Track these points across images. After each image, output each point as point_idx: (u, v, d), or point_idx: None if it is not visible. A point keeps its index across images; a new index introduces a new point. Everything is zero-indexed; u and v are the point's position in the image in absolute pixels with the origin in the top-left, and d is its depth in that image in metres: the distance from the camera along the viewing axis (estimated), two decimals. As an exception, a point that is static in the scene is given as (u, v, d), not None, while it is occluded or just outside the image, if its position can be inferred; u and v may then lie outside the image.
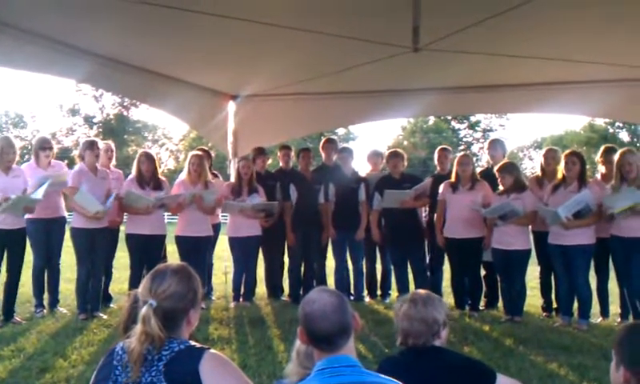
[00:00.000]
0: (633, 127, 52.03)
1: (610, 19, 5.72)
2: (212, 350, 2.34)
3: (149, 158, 7.59)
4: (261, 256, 8.48)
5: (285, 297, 8.53)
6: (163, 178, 7.81)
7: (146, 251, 7.15)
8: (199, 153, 8.00)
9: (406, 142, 56.11)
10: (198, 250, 7.63)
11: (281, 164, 8.82)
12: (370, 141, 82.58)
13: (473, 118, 58.61)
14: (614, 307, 7.32)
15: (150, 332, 2.26)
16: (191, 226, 7.61)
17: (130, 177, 7.64)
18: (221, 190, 8.02)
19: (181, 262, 2.58)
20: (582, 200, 6.60)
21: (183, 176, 7.88)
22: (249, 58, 7.24)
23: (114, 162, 8.10)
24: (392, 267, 8.27)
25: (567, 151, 7.19)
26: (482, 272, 7.84)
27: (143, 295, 2.36)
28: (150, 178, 7.47)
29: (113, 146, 8.19)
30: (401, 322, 2.95)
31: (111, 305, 7.82)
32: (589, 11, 5.61)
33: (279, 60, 7.16)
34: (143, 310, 2.30)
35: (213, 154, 9.55)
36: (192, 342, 2.38)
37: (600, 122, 50.23)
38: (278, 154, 8.94)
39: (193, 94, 8.45)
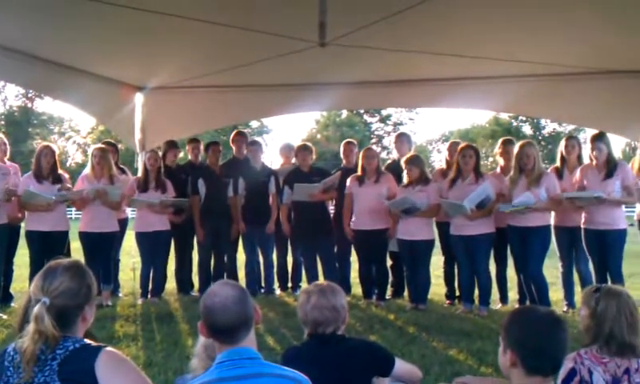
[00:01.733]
0: (535, 121, 54.45)
1: (512, 17, 5.95)
2: (108, 348, 2.31)
3: (51, 151, 7.37)
4: (171, 251, 8.38)
5: (195, 292, 8.45)
6: (63, 173, 7.57)
7: (48, 248, 6.89)
8: (102, 146, 7.83)
9: (319, 136, 56.57)
10: (103, 247, 7.49)
11: (190, 157, 8.73)
12: (285, 134, 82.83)
13: (384, 112, 59.79)
14: (513, 294, 7.67)
15: (44, 331, 2.21)
16: (95, 222, 7.43)
17: (28, 173, 7.37)
18: (127, 184, 7.85)
19: (73, 258, 2.53)
20: (483, 192, 6.87)
21: (87, 170, 7.67)
22: (156, 50, 7.10)
23: (8, 155, 7.75)
24: (302, 259, 8.36)
25: (462, 144, 7.46)
26: (389, 262, 8.05)
27: (35, 293, 2.31)
28: (49, 172, 7.24)
29: (5, 139, 7.83)
30: (311, 312, 3.04)
31: (12, 304, 7.50)
32: (490, 9, 5.81)
33: (187, 52, 7.07)
34: (35, 309, 2.24)
35: (121, 148, 9.30)
36: (88, 341, 2.34)
37: (504, 116, 52.34)
38: (187, 147, 8.83)
39: (98, 86, 8.17)
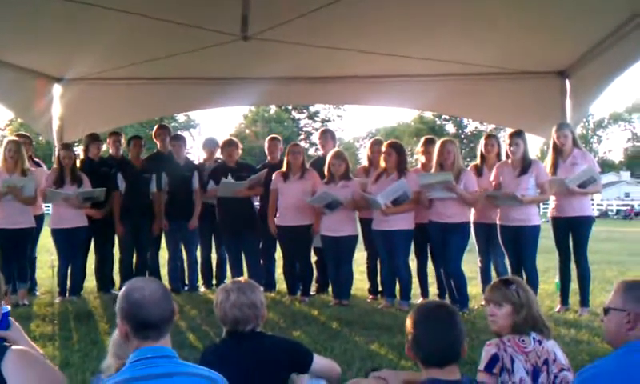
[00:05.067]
0: (458, 119, 55.92)
1: (435, 17, 6.08)
2: (15, 347, 2.25)
3: None
4: (91, 248, 8.15)
5: (116, 290, 8.25)
6: None
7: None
8: (16, 138, 7.58)
9: (247, 131, 56.31)
10: (18, 243, 7.25)
11: (110, 151, 8.53)
12: (212, 128, 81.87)
13: (312, 109, 60.09)
14: (434, 288, 7.80)
15: None
16: (10, 218, 7.18)
17: None
18: (42, 179, 7.58)
19: None
20: (398, 188, 6.99)
21: (-1, 164, 7.37)
22: (74, 40, 6.87)
23: None
24: (227, 255, 8.29)
25: (385, 143, 7.54)
26: (314, 258, 8.08)
27: None
28: None
29: None
30: (230, 310, 3.01)
31: None
32: (414, 9, 5.92)
33: (106, 43, 6.84)
34: None
35: (42, 140, 8.97)
36: None
37: (429, 114, 53.47)
38: (108, 140, 8.61)
39: (13, 77, 7.80)
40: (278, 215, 7.65)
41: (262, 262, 8.16)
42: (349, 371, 4.56)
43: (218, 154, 8.97)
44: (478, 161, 7.54)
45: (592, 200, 8.18)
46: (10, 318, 2.61)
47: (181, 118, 52.12)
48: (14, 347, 2.22)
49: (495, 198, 6.93)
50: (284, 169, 7.64)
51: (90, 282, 8.46)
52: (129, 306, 2.36)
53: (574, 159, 6.92)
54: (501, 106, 8.28)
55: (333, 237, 7.33)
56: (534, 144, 8.24)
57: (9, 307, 2.67)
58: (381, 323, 6.37)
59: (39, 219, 7.92)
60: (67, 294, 7.70)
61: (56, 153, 7.91)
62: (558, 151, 7.00)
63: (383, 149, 7.30)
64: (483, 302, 7.23)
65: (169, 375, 2.30)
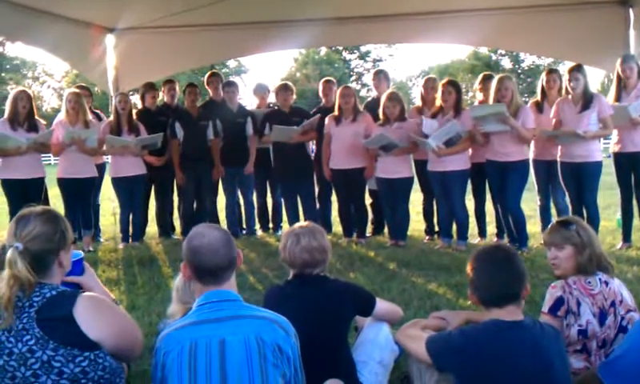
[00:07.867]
0: (514, 54, 54.23)
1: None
2: (86, 293, 2.33)
3: (27, 96, 7.19)
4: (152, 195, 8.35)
5: (176, 235, 8.47)
6: (40, 120, 7.40)
7: (25, 196, 6.78)
8: (76, 90, 7.67)
9: (298, 74, 55.99)
10: (82, 192, 7.47)
11: (165, 99, 8.62)
12: (262, 73, 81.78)
13: (363, 49, 59.15)
14: (492, 228, 7.71)
15: (18, 275, 2.21)
16: (73, 168, 7.36)
17: (2, 118, 7.20)
18: (101, 129, 7.73)
19: (46, 206, 2.52)
20: (451, 130, 6.83)
21: (61, 116, 7.52)
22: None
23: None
24: (282, 200, 8.37)
25: (443, 80, 7.36)
26: (369, 200, 8.08)
27: (8, 240, 2.32)
28: (24, 118, 7.08)
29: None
30: (301, 254, 3.04)
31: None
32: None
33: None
34: (8, 254, 2.25)
35: (98, 91, 9.11)
36: (64, 288, 2.35)
37: (484, 50, 52.01)
38: (162, 89, 8.69)
39: (67, 28, 7.94)
40: (331, 159, 7.63)
41: (318, 206, 8.19)
42: (407, 311, 4.59)
43: (270, 99, 8.97)
44: (538, 97, 7.30)
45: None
46: (84, 263, 2.71)
47: (231, 63, 52.15)
48: (84, 294, 2.31)
49: (555, 136, 6.75)
50: (336, 112, 7.57)
51: (152, 227, 8.70)
52: (189, 252, 2.45)
53: (638, 92, 6.64)
54: (560, 38, 7.99)
55: (388, 178, 7.28)
56: (595, 77, 7.96)
57: (82, 253, 2.77)
58: (438, 263, 6.37)
59: (101, 168, 8.12)
60: (130, 240, 7.92)
61: (113, 102, 8.05)
62: (622, 84, 6.73)
63: (441, 87, 7.13)
64: (542, 241, 7.15)
65: (234, 318, 2.37)
